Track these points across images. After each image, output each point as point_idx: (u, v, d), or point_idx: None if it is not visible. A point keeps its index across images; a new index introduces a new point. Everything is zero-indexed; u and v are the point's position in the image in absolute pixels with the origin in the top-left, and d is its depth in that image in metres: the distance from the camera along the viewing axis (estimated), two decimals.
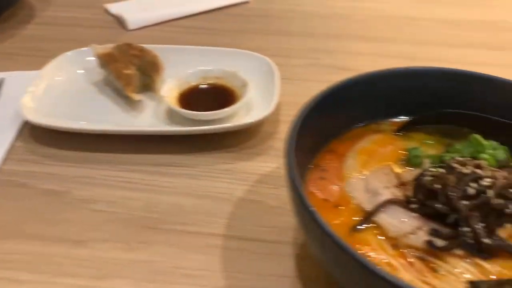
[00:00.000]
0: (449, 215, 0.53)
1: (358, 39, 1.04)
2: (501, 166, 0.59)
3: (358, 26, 1.10)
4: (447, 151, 0.63)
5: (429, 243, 0.52)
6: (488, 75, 0.65)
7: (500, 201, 0.53)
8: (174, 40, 1.00)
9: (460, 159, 0.59)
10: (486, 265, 0.51)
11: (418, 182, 0.57)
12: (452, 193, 0.53)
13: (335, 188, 0.59)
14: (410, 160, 0.62)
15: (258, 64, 0.86)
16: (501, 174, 0.56)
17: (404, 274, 0.49)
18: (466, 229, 0.51)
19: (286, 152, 0.52)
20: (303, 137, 0.54)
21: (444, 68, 0.66)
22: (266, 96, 0.79)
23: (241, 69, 0.82)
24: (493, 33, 1.07)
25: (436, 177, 0.56)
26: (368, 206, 0.56)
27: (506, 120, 0.65)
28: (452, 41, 1.04)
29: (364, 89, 0.64)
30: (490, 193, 0.53)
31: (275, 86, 0.79)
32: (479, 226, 0.51)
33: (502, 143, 0.61)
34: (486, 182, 0.54)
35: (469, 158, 0.58)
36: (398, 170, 0.61)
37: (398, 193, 0.57)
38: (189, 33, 1.06)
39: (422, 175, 0.58)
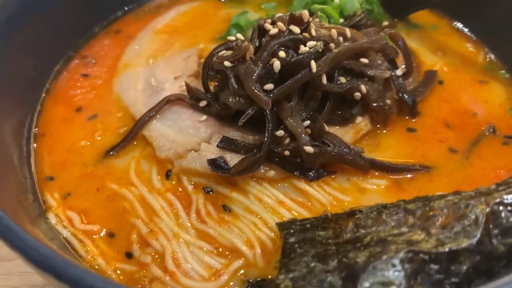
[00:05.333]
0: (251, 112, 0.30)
1: None
2: (352, 23, 0.40)
3: None
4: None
5: (214, 164, 0.31)
6: None
7: (339, 85, 0.31)
8: None
9: (279, 16, 0.37)
10: (310, 189, 0.34)
11: (205, 63, 0.37)
12: (246, 72, 0.30)
13: (99, 87, 0.40)
14: (229, 33, 0.41)
15: None
16: (340, 31, 0.36)
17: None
18: (279, 132, 0.32)
19: None
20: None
21: None
22: None
23: None
24: None
25: (233, 51, 0.35)
26: (140, 112, 0.36)
27: None
28: None
29: None
30: (315, 65, 0.31)
31: None
32: (299, 126, 0.31)
33: None
34: (306, 47, 0.34)
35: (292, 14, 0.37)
36: (207, 51, 0.37)
37: (191, 86, 0.36)
38: None
39: (213, 53, 0.37)
